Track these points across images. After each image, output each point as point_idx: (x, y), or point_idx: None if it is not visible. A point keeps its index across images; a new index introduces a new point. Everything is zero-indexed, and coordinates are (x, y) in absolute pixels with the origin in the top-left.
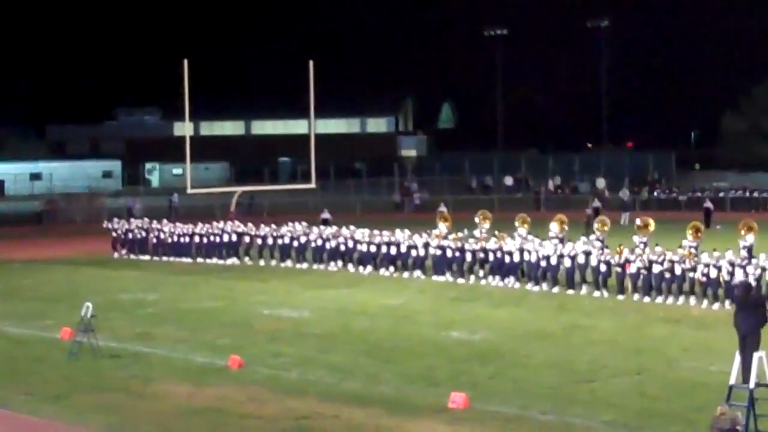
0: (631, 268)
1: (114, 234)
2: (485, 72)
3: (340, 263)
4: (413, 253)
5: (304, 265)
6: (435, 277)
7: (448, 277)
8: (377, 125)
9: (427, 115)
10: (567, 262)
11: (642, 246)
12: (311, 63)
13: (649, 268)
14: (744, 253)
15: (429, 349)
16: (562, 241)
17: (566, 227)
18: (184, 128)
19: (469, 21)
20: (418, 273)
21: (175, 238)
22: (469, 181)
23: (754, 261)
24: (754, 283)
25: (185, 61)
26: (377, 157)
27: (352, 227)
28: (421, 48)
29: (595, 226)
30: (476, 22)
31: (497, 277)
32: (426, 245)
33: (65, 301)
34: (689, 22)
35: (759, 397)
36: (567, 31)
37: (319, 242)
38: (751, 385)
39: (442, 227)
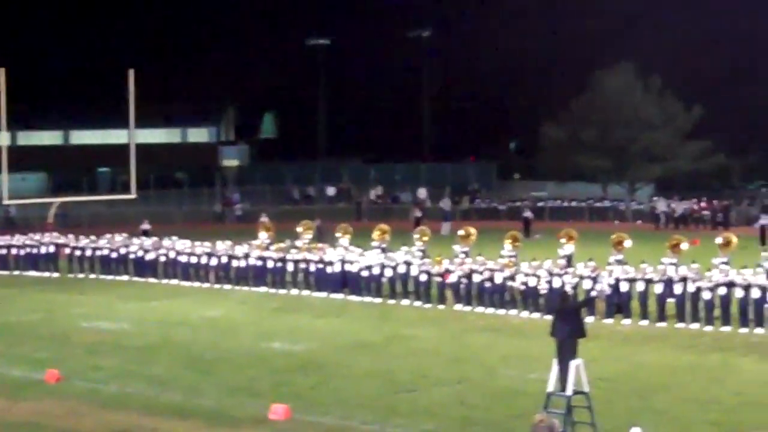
0: (452, 278)
1: None
2: (307, 82)
3: (160, 274)
4: (234, 263)
5: (124, 277)
6: (256, 288)
7: (269, 287)
8: (198, 135)
9: (248, 125)
10: (388, 272)
11: (463, 255)
12: (131, 72)
13: (469, 278)
14: (562, 262)
15: (250, 361)
16: (383, 250)
17: (387, 237)
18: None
19: (292, 30)
20: (238, 284)
21: None
22: (291, 192)
23: (572, 270)
24: (571, 292)
25: (2, 71)
26: (198, 168)
27: (173, 238)
28: (242, 57)
29: (416, 236)
30: (299, 32)
31: (319, 288)
32: (247, 256)
33: None
34: (510, 33)
35: (576, 405)
36: (389, 40)
37: (140, 254)
38: (568, 392)
39: (264, 237)
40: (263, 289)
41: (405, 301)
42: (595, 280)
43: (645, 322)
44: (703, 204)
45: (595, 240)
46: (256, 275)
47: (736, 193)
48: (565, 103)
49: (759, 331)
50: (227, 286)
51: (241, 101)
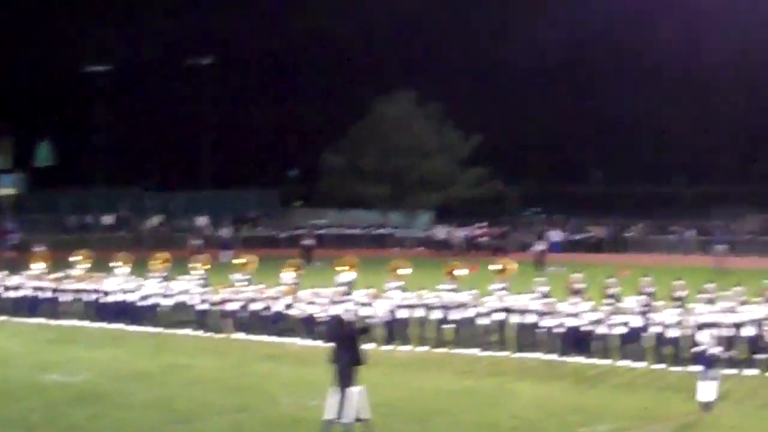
0: (232, 306)
1: None
2: (85, 109)
3: None
4: (7, 294)
5: None
6: (30, 319)
7: (44, 318)
8: None
9: (25, 152)
10: (167, 302)
11: (243, 284)
12: None
13: (248, 306)
14: (342, 289)
15: (25, 393)
16: (163, 279)
17: (167, 265)
18: None
19: (69, 57)
20: (14, 315)
21: None
22: (68, 220)
23: (351, 297)
24: (350, 319)
25: None
26: None
27: None
28: (18, 83)
29: (195, 264)
30: (76, 59)
31: (96, 317)
32: (20, 286)
33: None
34: (290, 60)
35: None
36: (168, 67)
37: None
38: (346, 419)
39: (38, 267)
40: (38, 320)
41: (184, 331)
42: (373, 307)
43: (424, 348)
44: (482, 231)
45: (374, 267)
46: (31, 306)
47: (513, 220)
48: (345, 130)
49: (534, 355)
50: (1, 317)
51: (17, 128)
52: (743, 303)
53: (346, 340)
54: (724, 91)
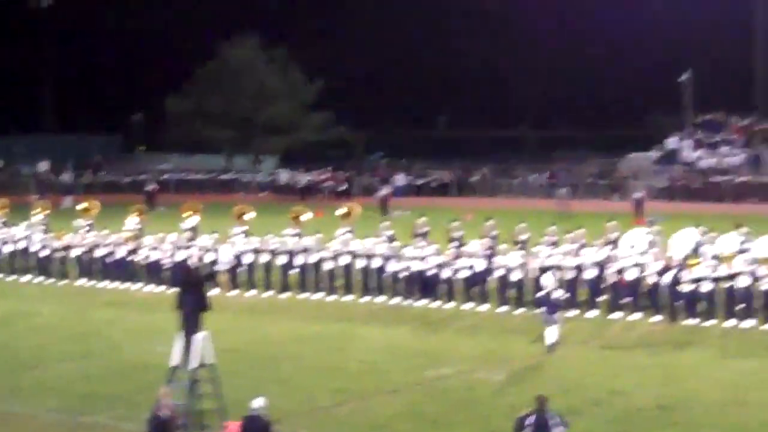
0: (74, 252)
1: None
2: None
3: None
4: None
5: None
6: None
7: None
8: None
9: None
10: (8, 248)
11: (86, 229)
12: None
13: (91, 252)
14: (188, 234)
15: None
16: (4, 224)
17: (7, 211)
18: None
19: None
20: None
21: None
22: None
23: (196, 242)
24: (196, 264)
25: None
26: None
27: None
28: None
29: (36, 210)
30: None
31: None
32: None
33: None
34: (133, 5)
35: (201, 378)
36: (8, 10)
37: None
38: (192, 365)
39: None
40: None
41: (26, 277)
42: (217, 252)
43: (269, 294)
44: (327, 175)
45: (219, 212)
46: None
47: (358, 164)
48: (189, 74)
49: (380, 299)
50: None
51: None
52: (585, 246)
53: (191, 286)
54: (566, 40)
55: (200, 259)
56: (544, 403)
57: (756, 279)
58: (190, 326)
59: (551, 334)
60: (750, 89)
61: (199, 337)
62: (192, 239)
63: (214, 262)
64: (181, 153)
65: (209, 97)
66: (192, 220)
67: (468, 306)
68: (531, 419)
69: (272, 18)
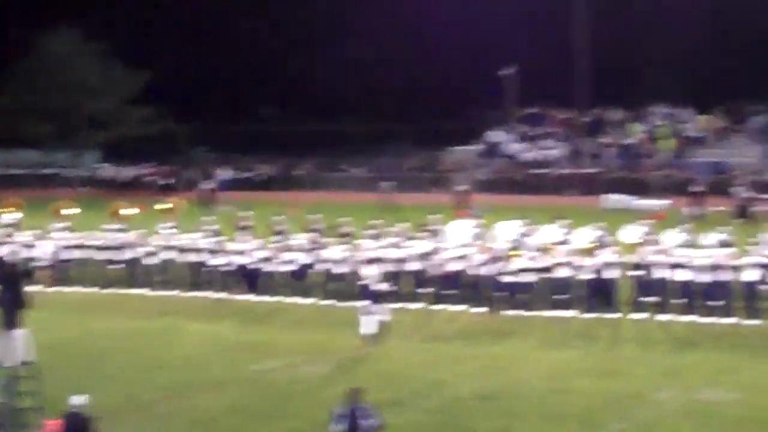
0: None
1: None
2: None
3: None
4: None
5: None
6: None
7: None
8: None
9: None
10: None
11: None
12: None
13: None
14: (7, 230)
15: None
16: None
17: None
18: None
19: None
20: None
21: None
22: None
23: (17, 237)
24: (14, 260)
25: None
26: None
27: None
28: None
29: None
30: None
31: None
32: None
33: None
34: None
35: (20, 375)
36: None
37: None
38: (11, 362)
39: None
40: None
41: None
42: (37, 248)
43: (92, 289)
44: (152, 170)
45: (40, 207)
46: None
47: (183, 159)
48: (8, 67)
49: (204, 293)
50: None
51: None
52: (409, 238)
53: (9, 282)
54: (391, 33)
55: (16, 254)
56: (357, 395)
57: (577, 269)
58: (9, 323)
59: (372, 325)
60: (570, 83)
61: (19, 334)
62: (11, 235)
63: (32, 258)
64: (0, 148)
65: (27, 91)
66: (12, 215)
67: (293, 299)
68: (344, 411)
69: (94, 11)
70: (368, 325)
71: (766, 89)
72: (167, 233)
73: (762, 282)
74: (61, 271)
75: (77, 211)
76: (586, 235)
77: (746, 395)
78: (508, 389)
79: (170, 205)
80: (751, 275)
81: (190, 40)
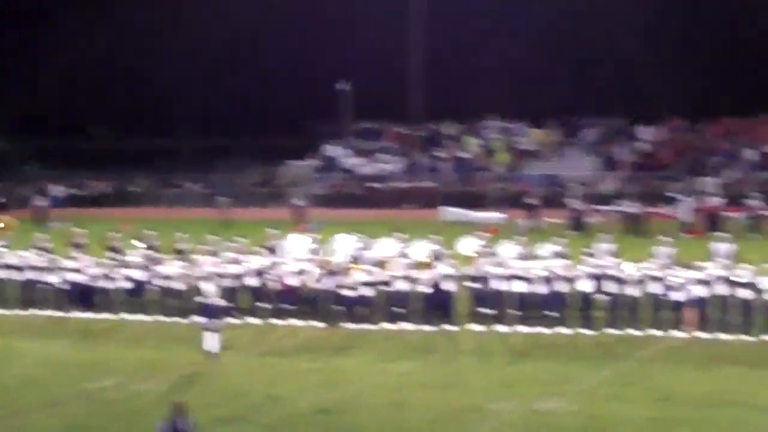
0: None
1: None
2: None
3: None
4: None
5: None
6: None
7: None
8: None
9: None
10: None
11: None
12: None
13: None
14: None
15: None
16: None
17: None
18: None
19: None
20: None
21: None
22: None
23: None
24: None
25: None
26: None
27: None
28: None
29: None
30: None
31: None
32: None
33: None
34: None
35: None
36: None
37: None
38: None
39: None
40: None
41: None
42: None
43: None
44: None
45: None
46: None
47: (14, 176)
48: None
49: (38, 312)
50: None
51: None
52: (246, 253)
53: None
54: (222, 49)
55: None
56: (180, 409)
57: (415, 282)
58: None
59: (212, 341)
60: (406, 98)
61: None
62: None
63: None
64: None
65: None
66: None
67: (129, 317)
68: (167, 425)
69: None
70: (210, 341)
71: (598, 103)
72: None
73: (596, 292)
74: None
75: None
76: (423, 248)
77: (581, 405)
78: (347, 403)
79: (2, 224)
80: (585, 286)
81: (21, 59)
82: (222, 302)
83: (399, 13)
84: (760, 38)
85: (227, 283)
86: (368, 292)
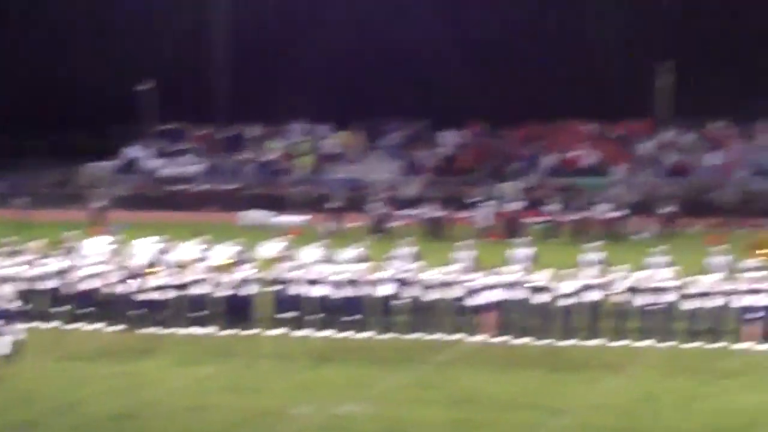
0: None
1: None
2: None
3: None
4: None
5: None
6: None
7: None
8: None
9: None
10: None
11: None
12: None
13: None
14: None
15: None
16: None
17: None
18: None
19: None
20: None
21: None
22: None
23: None
24: None
25: None
26: None
27: None
28: None
29: None
30: None
31: None
32: None
33: None
34: None
35: None
36: None
37: None
38: None
39: None
40: None
41: None
42: None
43: None
44: None
45: None
46: None
47: None
48: None
49: None
50: None
51: None
52: (43, 256)
53: None
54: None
55: None
56: None
57: (215, 286)
58: None
59: (5, 345)
60: (210, 99)
61: None
62: None
63: None
64: None
65: None
66: None
67: None
68: None
69: None
70: (2, 345)
71: (401, 107)
72: None
73: (395, 297)
74: None
75: None
76: (224, 251)
77: (381, 408)
78: (145, 408)
79: None
80: (386, 290)
81: None
82: (18, 305)
83: (203, 13)
84: (559, 44)
85: (23, 285)
86: (168, 295)
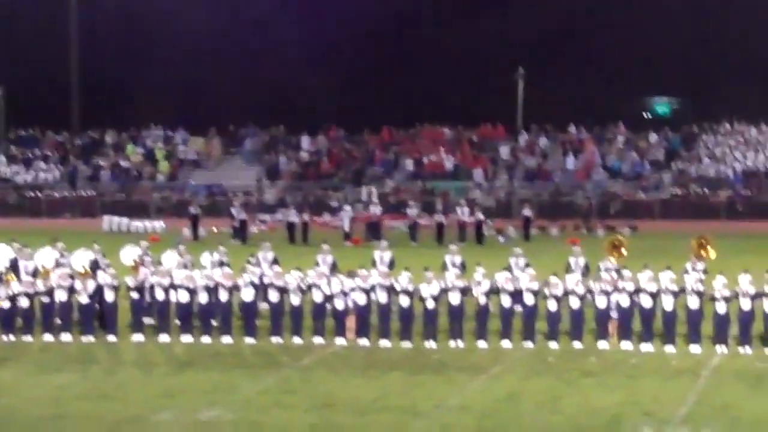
0: None
1: None
2: None
3: None
4: None
5: None
6: None
7: None
8: None
9: None
10: None
11: None
12: None
13: None
14: None
15: None
16: None
17: None
18: None
19: None
20: None
21: None
22: None
23: None
24: None
25: None
26: None
27: None
28: None
29: None
30: None
31: None
32: None
33: None
34: None
35: None
36: None
37: None
38: None
39: None
40: None
41: None
42: None
43: None
44: None
45: None
46: None
47: None
48: None
49: None
50: None
51: None
52: None
53: None
54: None
55: None
56: None
57: (73, 293)
58: None
59: None
60: (67, 106)
61: None
62: None
63: None
64: None
65: None
66: None
67: None
68: None
69: None
70: None
71: (259, 113)
72: None
73: (255, 302)
74: None
75: None
76: (83, 257)
77: (243, 413)
78: (2, 418)
79: None
80: (248, 295)
81: None
82: None
83: (59, 19)
84: (425, 51)
85: None
86: (25, 302)
